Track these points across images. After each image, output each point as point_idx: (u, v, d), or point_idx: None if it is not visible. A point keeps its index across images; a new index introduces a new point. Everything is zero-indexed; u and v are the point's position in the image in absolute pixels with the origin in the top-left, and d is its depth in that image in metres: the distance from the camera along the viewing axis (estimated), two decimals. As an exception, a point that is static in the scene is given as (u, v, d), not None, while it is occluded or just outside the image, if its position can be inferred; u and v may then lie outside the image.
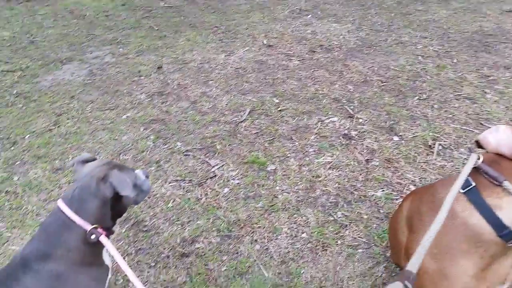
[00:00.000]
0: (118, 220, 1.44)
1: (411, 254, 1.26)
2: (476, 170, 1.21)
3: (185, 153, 2.57)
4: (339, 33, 4.15)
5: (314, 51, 3.85)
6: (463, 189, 1.16)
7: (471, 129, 2.64)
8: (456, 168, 2.33)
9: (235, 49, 3.96)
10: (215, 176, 2.36)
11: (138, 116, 2.98)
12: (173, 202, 2.20)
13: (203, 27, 4.53)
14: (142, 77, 3.57)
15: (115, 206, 1.28)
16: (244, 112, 2.95)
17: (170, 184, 2.32)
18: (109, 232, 1.29)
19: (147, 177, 1.45)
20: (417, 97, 3.01)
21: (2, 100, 3.37)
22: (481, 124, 2.69)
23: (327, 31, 4.23)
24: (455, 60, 3.48)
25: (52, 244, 1.21)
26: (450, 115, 2.78)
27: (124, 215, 2.08)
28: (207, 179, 2.34)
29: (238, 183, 2.30)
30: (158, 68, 3.70)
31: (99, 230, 1.22)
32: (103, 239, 1.21)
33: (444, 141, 2.54)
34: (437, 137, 2.58)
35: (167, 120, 2.92)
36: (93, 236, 1.20)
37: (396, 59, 3.56)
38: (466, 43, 3.77)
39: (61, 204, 1.23)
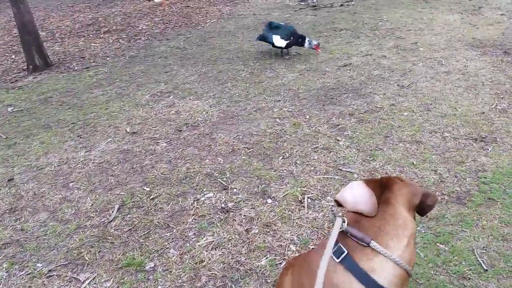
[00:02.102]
0: None
1: None
2: (344, 234, 1.21)
3: (47, 275, 2.24)
4: (202, 109, 4.26)
5: (181, 130, 3.85)
6: (338, 258, 1.13)
7: (332, 176, 2.83)
8: (327, 216, 2.44)
9: (96, 143, 3.76)
10: (86, 292, 2.08)
11: (-14, 243, 2.55)
12: None
13: (58, 126, 4.25)
14: (-11, 195, 3.12)
15: None
16: (113, 210, 2.74)
17: (31, 318, 1.96)
18: None
19: None
20: (281, 157, 3.16)
21: None
22: (340, 170, 2.91)
23: (190, 109, 4.31)
24: (307, 117, 3.79)
25: None
26: (312, 168, 2.95)
27: None
28: (76, 299, 2.05)
29: (113, 294, 2.05)
30: (9, 180, 3.29)
31: None
32: None
33: (311, 193, 2.66)
34: (305, 191, 2.70)
35: (23, 239, 2.55)
36: None
37: (257, 125, 3.75)
38: (314, 99, 4.16)
39: None
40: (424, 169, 2.87)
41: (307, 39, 5.31)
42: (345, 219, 1.25)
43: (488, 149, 3.07)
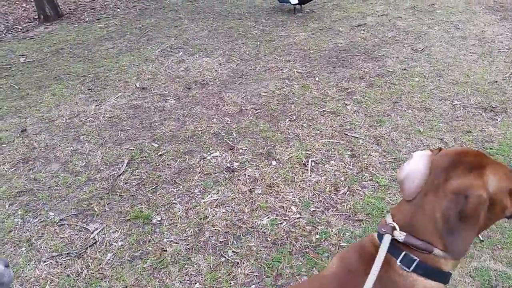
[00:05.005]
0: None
1: None
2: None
3: (59, 223, 2.36)
4: (211, 67, 4.24)
5: (189, 88, 3.86)
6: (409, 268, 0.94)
7: (337, 141, 2.86)
8: (329, 180, 2.49)
9: (106, 97, 3.80)
10: (96, 242, 2.20)
11: (2, 191, 2.67)
12: (50, 283, 1.98)
13: (69, 78, 4.29)
14: (3, 145, 3.22)
15: None
16: (122, 164, 2.83)
17: (45, 263, 2.09)
18: None
19: (6, 266, 1.32)
20: (288, 119, 3.18)
21: None
22: (345, 134, 2.93)
23: (199, 66, 4.29)
24: (317, 79, 3.76)
25: None
26: (318, 131, 2.98)
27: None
28: (86, 248, 2.16)
29: (122, 245, 2.17)
30: (22, 131, 3.38)
31: None
32: None
33: (316, 157, 2.71)
34: (309, 154, 2.74)
35: (36, 189, 2.66)
36: None
37: (266, 86, 3.74)
38: (325, 61, 4.11)
39: None
40: (431, 137, 2.88)
41: None
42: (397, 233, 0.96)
43: (497, 120, 3.05)
